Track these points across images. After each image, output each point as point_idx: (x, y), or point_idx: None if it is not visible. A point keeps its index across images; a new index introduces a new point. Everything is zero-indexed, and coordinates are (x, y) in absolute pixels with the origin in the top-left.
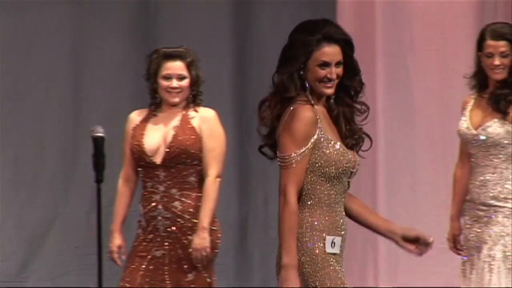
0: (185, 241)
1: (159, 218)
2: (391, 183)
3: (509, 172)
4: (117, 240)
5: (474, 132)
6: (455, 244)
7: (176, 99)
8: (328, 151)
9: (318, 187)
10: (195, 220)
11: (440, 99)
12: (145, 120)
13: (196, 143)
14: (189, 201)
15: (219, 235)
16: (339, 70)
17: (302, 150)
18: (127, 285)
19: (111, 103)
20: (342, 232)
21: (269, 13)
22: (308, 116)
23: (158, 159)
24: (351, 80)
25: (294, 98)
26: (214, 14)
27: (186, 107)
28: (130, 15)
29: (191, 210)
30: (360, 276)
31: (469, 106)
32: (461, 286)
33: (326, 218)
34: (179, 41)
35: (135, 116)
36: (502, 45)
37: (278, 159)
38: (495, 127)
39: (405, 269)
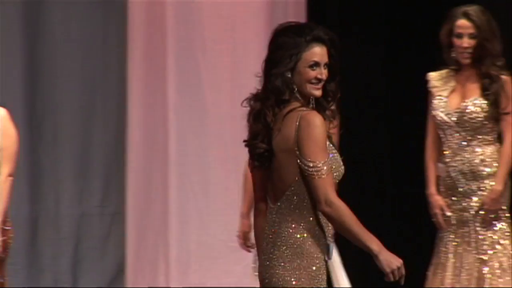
0: None
1: None
2: (183, 183)
3: None
4: None
5: None
6: (245, 241)
7: None
8: (332, 156)
9: None
10: None
11: (231, 99)
12: None
13: None
14: None
15: (11, 235)
16: (326, 71)
17: (328, 157)
18: None
19: None
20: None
21: (59, 13)
22: (322, 122)
23: None
24: (330, 83)
25: (289, 101)
26: (4, 13)
27: None
28: None
29: None
30: (151, 275)
31: None
32: (253, 286)
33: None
34: None
35: None
36: None
37: (308, 169)
38: None
39: (196, 268)
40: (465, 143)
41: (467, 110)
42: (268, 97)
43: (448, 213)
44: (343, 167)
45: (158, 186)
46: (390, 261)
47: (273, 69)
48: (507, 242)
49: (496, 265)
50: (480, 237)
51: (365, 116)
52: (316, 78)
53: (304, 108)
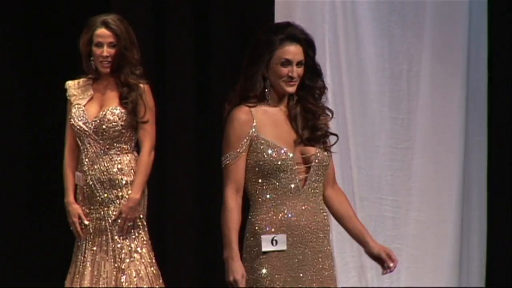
0: None
1: None
2: None
3: None
4: None
5: None
6: None
7: None
8: (261, 149)
9: (256, 186)
10: None
11: None
12: None
13: None
14: None
15: None
16: (300, 70)
17: (236, 151)
18: None
19: None
20: (286, 229)
21: None
22: (240, 117)
23: None
24: (312, 81)
25: (254, 98)
26: None
27: None
28: None
29: None
30: None
31: None
32: None
33: (264, 216)
34: None
35: None
36: None
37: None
38: None
39: None
40: (103, 151)
41: (105, 119)
42: (237, 96)
43: (86, 222)
44: (284, 158)
45: None
46: (228, 271)
47: (249, 66)
48: (144, 250)
49: (134, 273)
50: (118, 245)
51: (5, 118)
52: (287, 75)
53: (240, 104)
